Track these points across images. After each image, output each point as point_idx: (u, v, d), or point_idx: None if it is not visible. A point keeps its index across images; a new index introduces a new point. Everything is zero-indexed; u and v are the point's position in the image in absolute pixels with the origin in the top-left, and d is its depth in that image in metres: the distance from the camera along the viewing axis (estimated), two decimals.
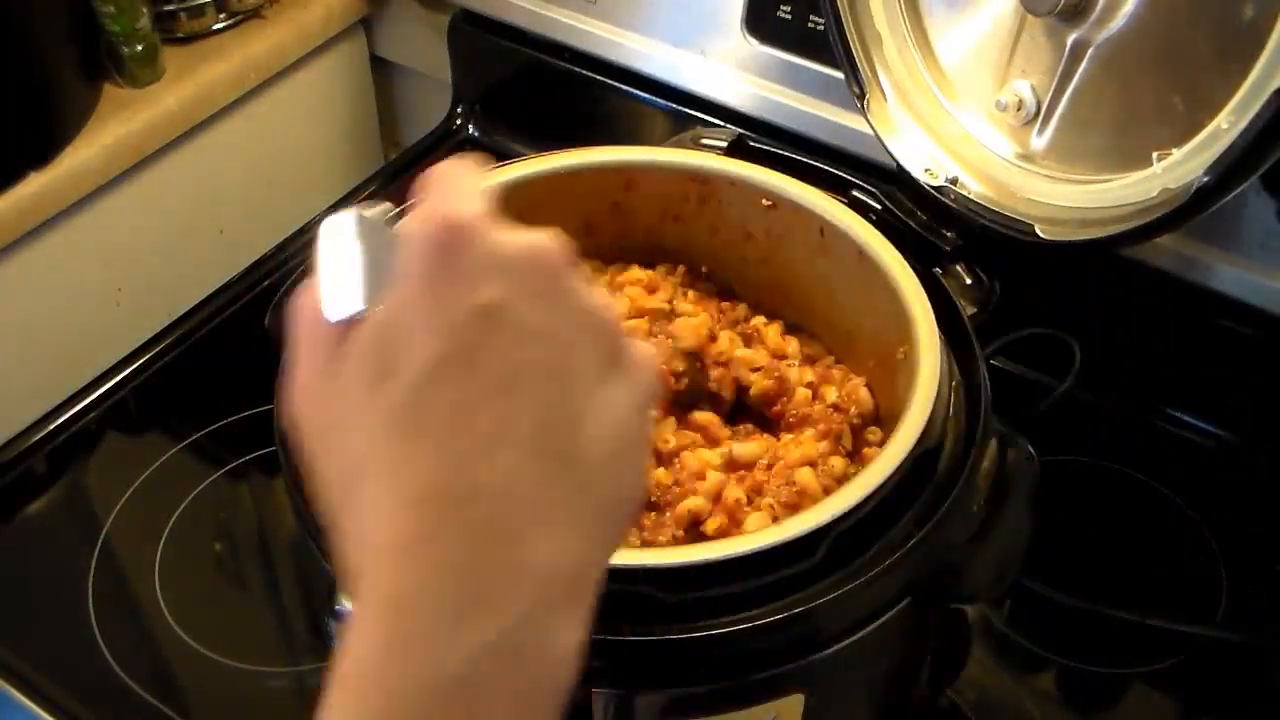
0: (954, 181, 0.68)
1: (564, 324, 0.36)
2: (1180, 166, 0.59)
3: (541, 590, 0.34)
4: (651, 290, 0.68)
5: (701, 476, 0.58)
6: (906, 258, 0.61)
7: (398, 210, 0.39)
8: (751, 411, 0.64)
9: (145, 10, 0.86)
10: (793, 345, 0.67)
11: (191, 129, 0.91)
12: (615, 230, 0.70)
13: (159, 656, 0.70)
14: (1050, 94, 0.65)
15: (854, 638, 0.51)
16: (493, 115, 1.02)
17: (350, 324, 0.36)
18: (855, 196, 0.67)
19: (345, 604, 0.36)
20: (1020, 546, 0.55)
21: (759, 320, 0.68)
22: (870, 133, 0.71)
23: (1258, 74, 0.55)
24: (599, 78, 0.91)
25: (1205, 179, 0.57)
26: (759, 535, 0.49)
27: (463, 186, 0.38)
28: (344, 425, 0.36)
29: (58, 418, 0.83)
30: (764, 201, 0.66)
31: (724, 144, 0.70)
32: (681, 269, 0.70)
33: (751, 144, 0.71)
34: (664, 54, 0.87)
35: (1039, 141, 0.67)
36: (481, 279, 0.35)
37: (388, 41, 1.08)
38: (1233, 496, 0.76)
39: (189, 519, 0.76)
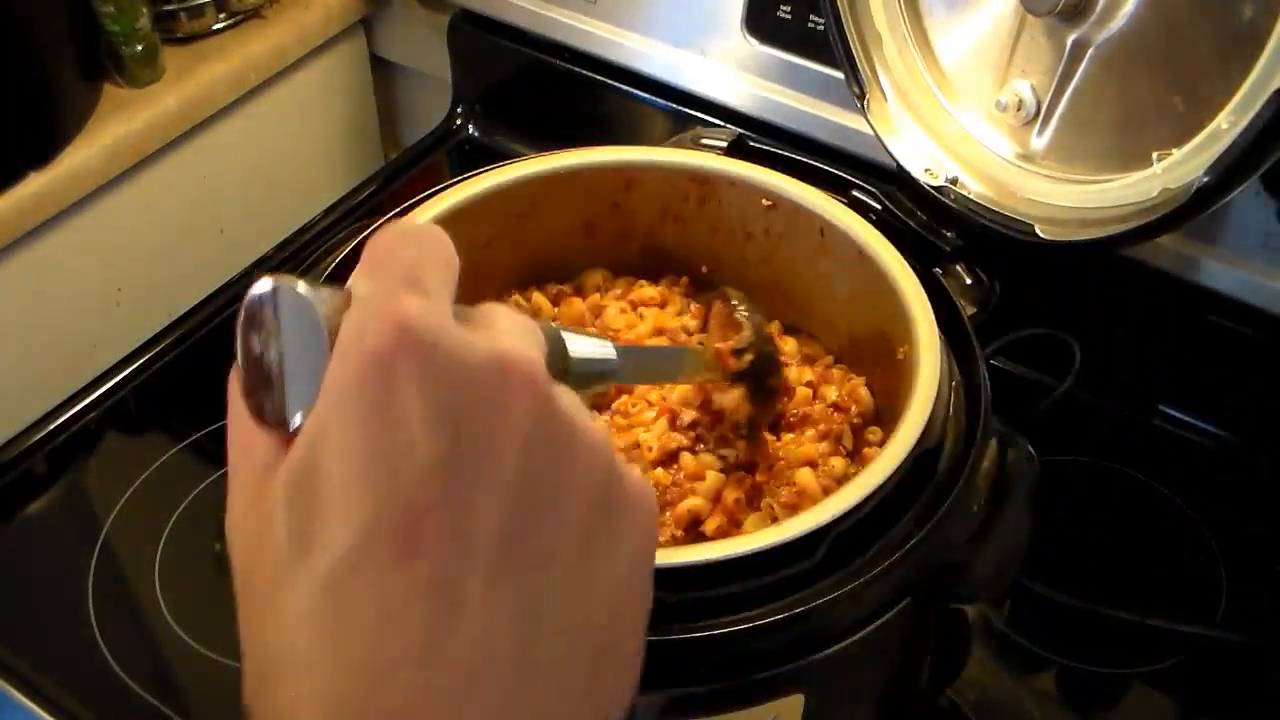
0: (954, 181, 0.68)
1: (544, 476, 0.29)
2: (1180, 166, 0.59)
3: None
4: (661, 306, 0.68)
5: (700, 477, 0.58)
6: (906, 258, 0.61)
7: (337, 291, 0.31)
8: None
9: (145, 10, 0.86)
10: (790, 344, 0.67)
11: (191, 129, 0.91)
12: (615, 230, 0.70)
13: (159, 656, 0.70)
14: (1050, 94, 0.65)
15: (854, 638, 0.51)
16: (493, 115, 1.02)
17: (283, 434, 0.29)
18: (855, 196, 0.67)
19: None
20: (1020, 546, 0.55)
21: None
22: (870, 133, 0.71)
23: (1258, 74, 0.55)
24: (599, 78, 0.91)
25: (1205, 179, 0.57)
26: (759, 535, 0.49)
27: (420, 263, 0.30)
28: (266, 594, 0.29)
29: (58, 418, 0.83)
30: (764, 201, 0.66)
31: (724, 144, 0.70)
32: (685, 280, 0.70)
33: (751, 144, 0.71)
34: (664, 54, 0.87)
35: (1039, 141, 0.67)
36: (428, 421, 0.27)
37: (388, 41, 1.08)
38: (1233, 496, 0.76)
39: (189, 519, 0.76)
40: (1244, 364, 0.75)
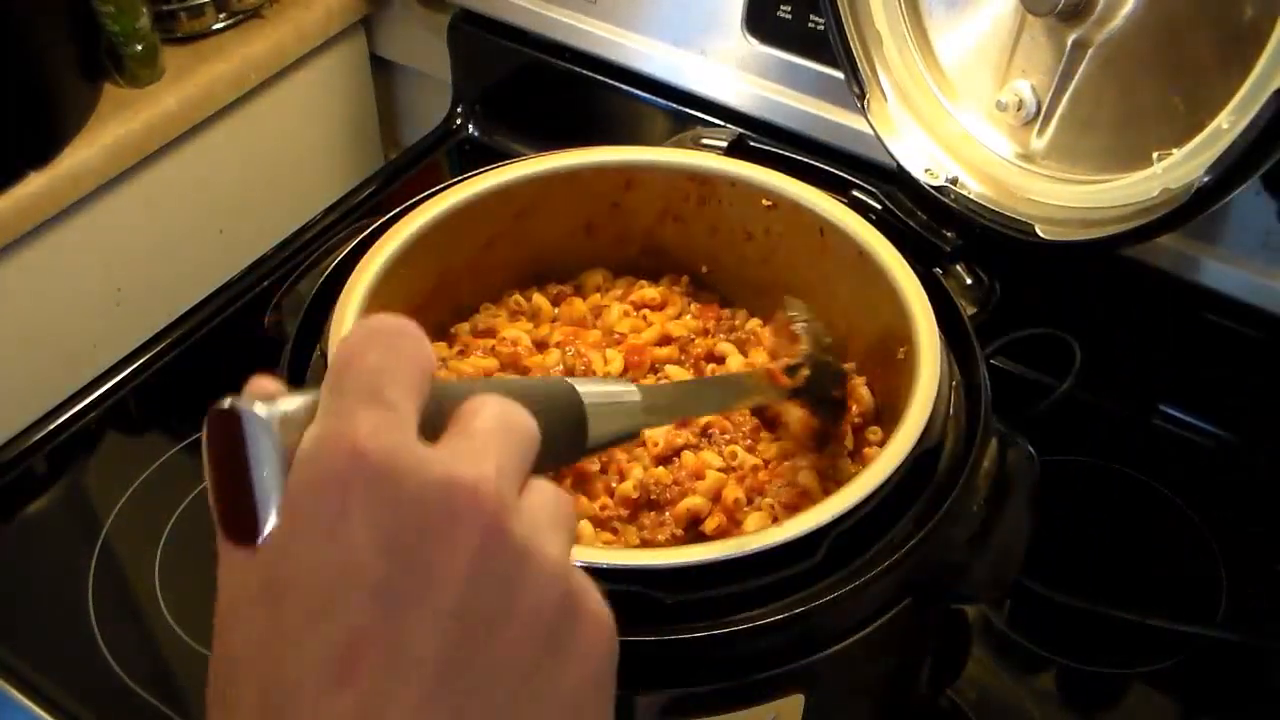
0: (954, 181, 0.68)
1: (484, 604, 0.29)
2: (1180, 166, 0.59)
3: None
4: (660, 307, 0.68)
5: (700, 476, 0.58)
6: (906, 258, 0.61)
7: (304, 401, 0.31)
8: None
9: (145, 10, 0.86)
10: None
11: (191, 129, 0.91)
12: (615, 230, 0.70)
13: (159, 656, 0.70)
14: (1050, 94, 0.65)
15: (854, 638, 0.51)
16: (493, 115, 1.02)
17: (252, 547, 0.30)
18: (855, 196, 0.67)
19: None
20: (1020, 546, 0.55)
21: (755, 323, 0.68)
22: (870, 133, 0.71)
23: (1258, 74, 0.55)
24: (599, 78, 0.91)
25: (1205, 179, 0.57)
26: (759, 535, 0.49)
27: (385, 372, 0.30)
28: (229, 694, 0.30)
29: (58, 418, 0.83)
30: (764, 201, 0.66)
31: (724, 144, 0.70)
32: (685, 279, 0.70)
33: (751, 144, 0.71)
34: (664, 54, 0.87)
35: (1039, 141, 0.67)
36: (373, 545, 0.28)
37: (388, 41, 1.08)
38: (1233, 496, 0.76)
39: (189, 519, 0.76)
40: (1244, 364, 0.75)
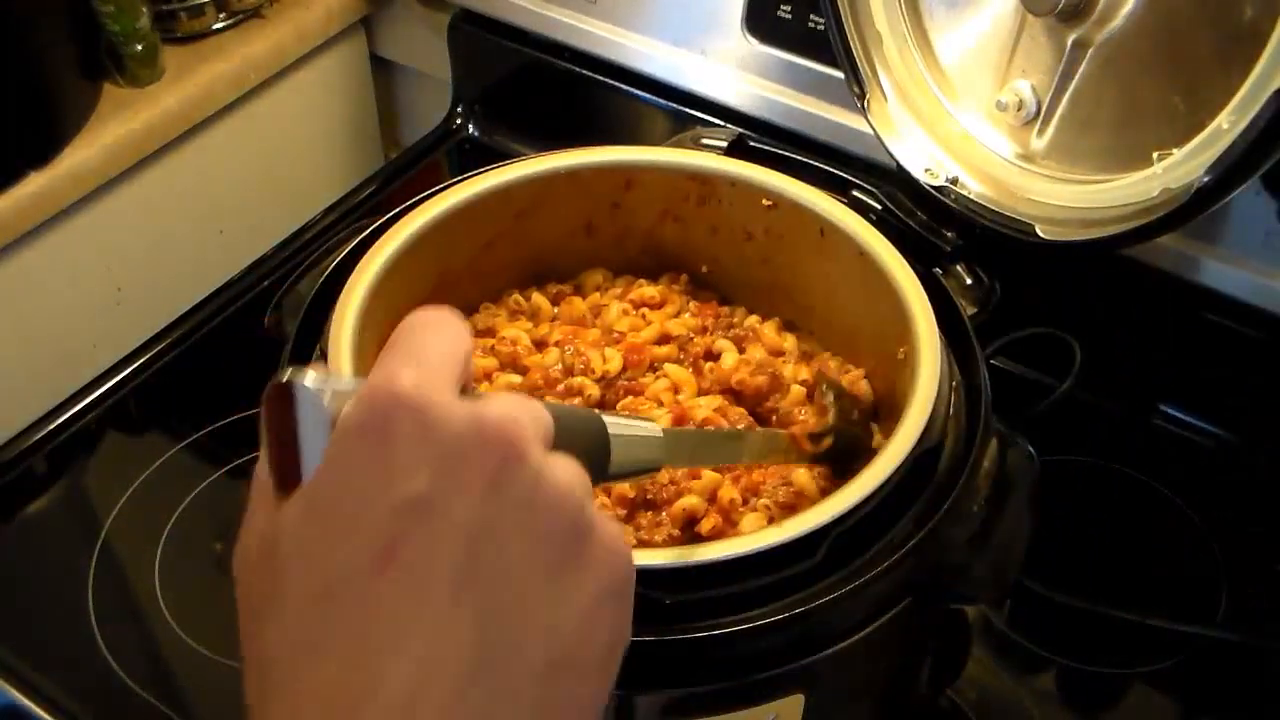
0: (954, 181, 0.68)
1: (505, 517, 0.34)
2: (1180, 166, 0.59)
3: None
4: (659, 305, 0.68)
5: (696, 475, 0.58)
6: (906, 258, 0.61)
7: (350, 382, 0.36)
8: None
9: (145, 10, 0.86)
10: (789, 341, 0.67)
11: (191, 129, 0.91)
12: (615, 230, 0.70)
13: (159, 656, 0.70)
14: (1050, 94, 0.65)
15: (854, 638, 0.51)
16: (493, 115, 1.02)
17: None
18: (855, 196, 0.67)
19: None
20: (1020, 546, 0.55)
21: (753, 320, 0.68)
22: (870, 133, 0.71)
23: (1258, 74, 0.55)
24: (599, 78, 0.91)
25: (1205, 179, 0.57)
26: (759, 535, 0.49)
27: (430, 346, 0.35)
28: (263, 615, 0.34)
29: (58, 418, 0.83)
30: (764, 201, 0.66)
31: (724, 144, 0.70)
32: (684, 278, 0.70)
33: (751, 144, 0.71)
34: (664, 54, 0.87)
35: (1039, 141, 0.67)
36: (411, 467, 0.33)
37: (388, 41, 1.08)
38: (1233, 496, 0.76)
39: (189, 519, 0.76)
40: (1244, 364, 0.75)
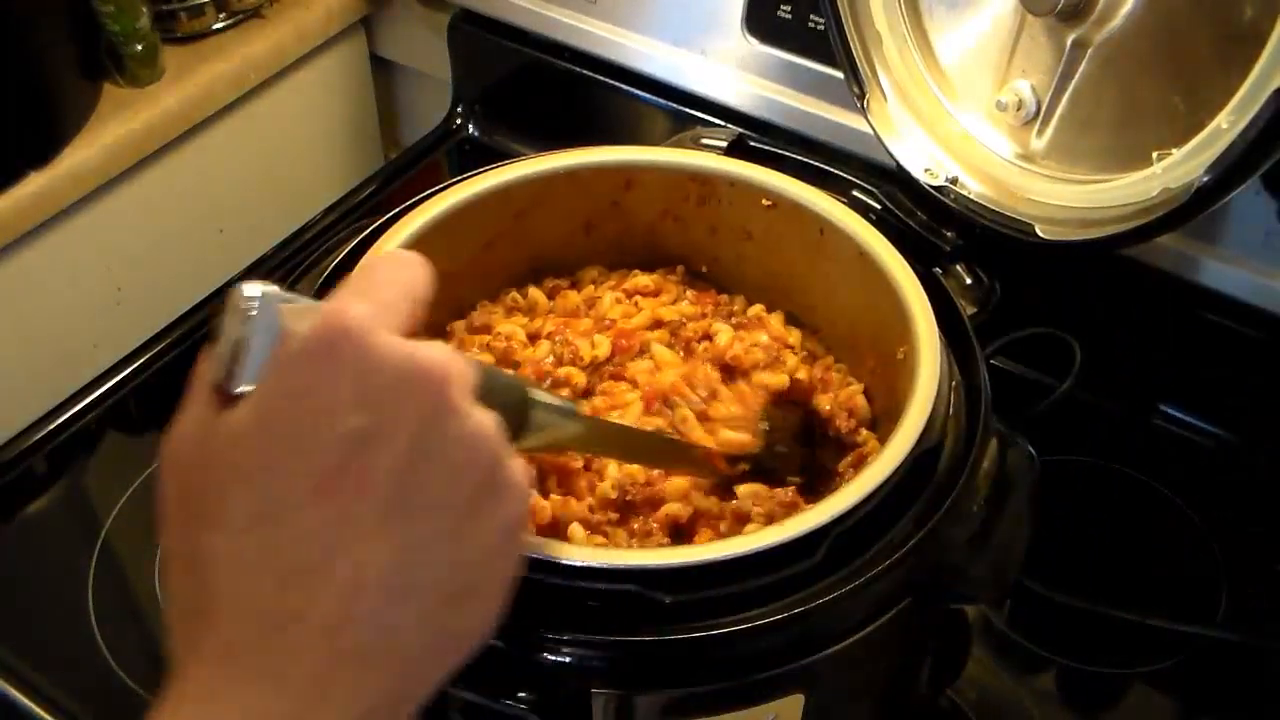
0: (954, 181, 0.68)
1: (432, 454, 0.36)
2: (1180, 166, 0.59)
3: None
4: (655, 294, 0.68)
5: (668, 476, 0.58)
6: (906, 258, 0.61)
7: (307, 302, 0.39)
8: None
9: (145, 10, 0.86)
10: (795, 335, 0.67)
11: (191, 129, 0.91)
12: (615, 230, 0.70)
13: (159, 656, 0.70)
14: (1050, 94, 0.65)
15: (854, 638, 0.51)
16: (493, 115, 1.02)
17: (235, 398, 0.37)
18: (855, 196, 0.67)
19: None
20: (1020, 546, 0.55)
21: (758, 309, 0.68)
22: (870, 133, 0.71)
23: (1258, 74, 0.55)
24: (599, 78, 0.91)
25: (1205, 179, 0.57)
26: (759, 535, 0.49)
27: (385, 284, 0.38)
28: (204, 520, 0.37)
29: (58, 418, 0.83)
30: (764, 201, 0.66)
31: (724, 144, 0.70)
32: (681, 269, 0.70)
33: (751, 144, 0.71)
34: (664, 54, 0.87)
35: (1039, 141, 0.67)
36: (352, 401, 0.35)
37: (388, 41, 1.08)
38: (1233, 496, 0.76)
39: None
40: (1244, 364, 0.75)
